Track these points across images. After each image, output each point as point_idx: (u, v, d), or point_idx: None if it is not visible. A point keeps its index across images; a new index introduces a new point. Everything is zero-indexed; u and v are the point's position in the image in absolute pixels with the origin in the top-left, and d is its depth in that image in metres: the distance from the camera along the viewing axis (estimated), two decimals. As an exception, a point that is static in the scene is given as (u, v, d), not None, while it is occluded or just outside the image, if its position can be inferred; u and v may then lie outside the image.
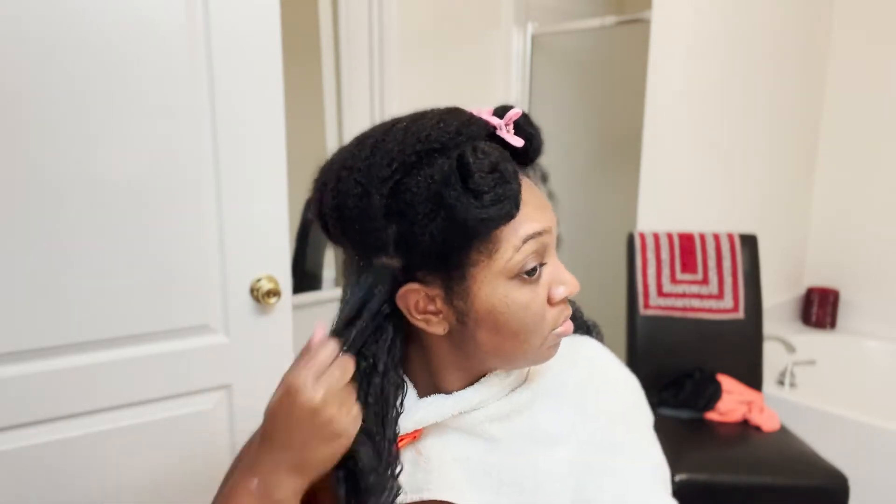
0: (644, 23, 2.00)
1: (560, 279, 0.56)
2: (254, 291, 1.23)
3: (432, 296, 0.54)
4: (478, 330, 0.55)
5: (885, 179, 2.42)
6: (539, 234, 0.53)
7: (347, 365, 0.55)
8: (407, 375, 0.62)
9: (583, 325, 0.72)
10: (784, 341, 2.10)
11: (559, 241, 0.58)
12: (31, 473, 1.09)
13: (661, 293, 1.89)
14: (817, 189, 2.61)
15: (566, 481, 0.60)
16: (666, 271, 1.90)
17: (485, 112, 0.55)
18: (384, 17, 1.92)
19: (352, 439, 0.54)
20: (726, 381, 1.79)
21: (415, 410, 0.59)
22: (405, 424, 0.59)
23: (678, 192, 2.05)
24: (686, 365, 1.84)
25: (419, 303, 0.55)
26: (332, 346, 0.54)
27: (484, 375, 0.61)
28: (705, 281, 1.89)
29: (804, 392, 2.07)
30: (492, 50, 2.21)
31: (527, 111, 0.57)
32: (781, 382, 2.13)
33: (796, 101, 2.40)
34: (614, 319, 2.05)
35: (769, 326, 2.27)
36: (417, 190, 0.50)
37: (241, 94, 1.17)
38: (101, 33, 1.04)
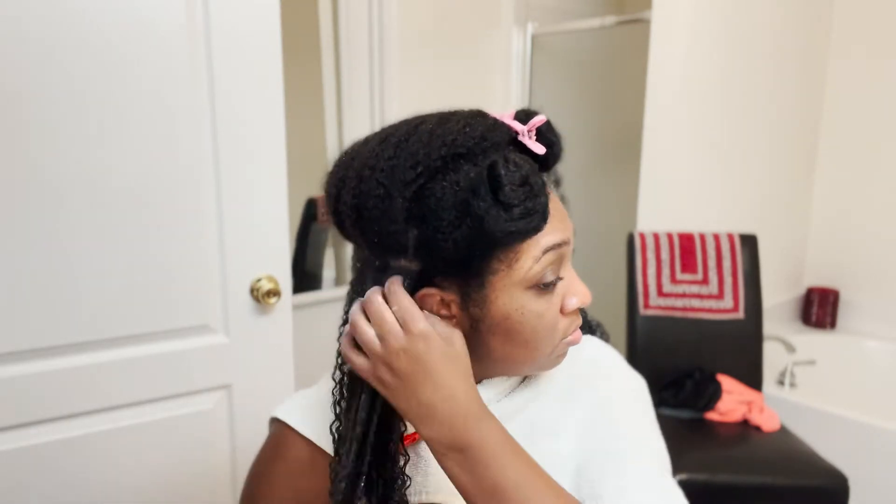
0: (644, 23, 2.00)
1: (573, 290, 0.56)
2: (254, 291, 1.23)
3: (448, 301, 0.54)
4: (490, 337, 0.55)
5: (885, 179, 2.42)
6: (559, 245, 0.54)
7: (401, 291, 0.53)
8: None
9: (586, 325, 0.73)
10: (784, 341, 2.10)
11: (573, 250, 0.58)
12: (31, 473, 1.08)
13: (661, 293, 1.89)
14: (817, 189, 2.61)
15: (567, 480, 0.60)
16: (666, 271, 1.90)
17: (507, 116, 0.54)
18: (384, 17, 1.92)
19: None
20: (726, 381, 1.79)
21: None
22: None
23: (678, 192, 2.05)
24: (686, 365, 1.84)
25: (434, 308, 0.55)
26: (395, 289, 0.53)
27: (486, 378, 0.62)
28: (705, 281, 1.89)
29: (804, 392, 2.07)
30: (492, 50, 2.21)
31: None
32: (781, 382, 2.13)
33: (796, 101, 2.40)
34: (614, 319, 2.05)
35: (769, 326, 2.27)
36: (443, 196, 0.49)
37: (241, 94, 1.17)
38: (101, 33, 1.04)
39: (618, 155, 2.58)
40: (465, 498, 0.51)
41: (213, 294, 1.20)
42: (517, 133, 0.54)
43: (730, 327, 1.88)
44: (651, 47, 1.95)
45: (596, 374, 0.67)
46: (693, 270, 1.90)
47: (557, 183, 0.59)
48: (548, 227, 0.53)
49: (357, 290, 0.57)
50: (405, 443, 0.59)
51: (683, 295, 1.89)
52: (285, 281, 1.27)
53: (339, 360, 0.59)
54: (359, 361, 0.53)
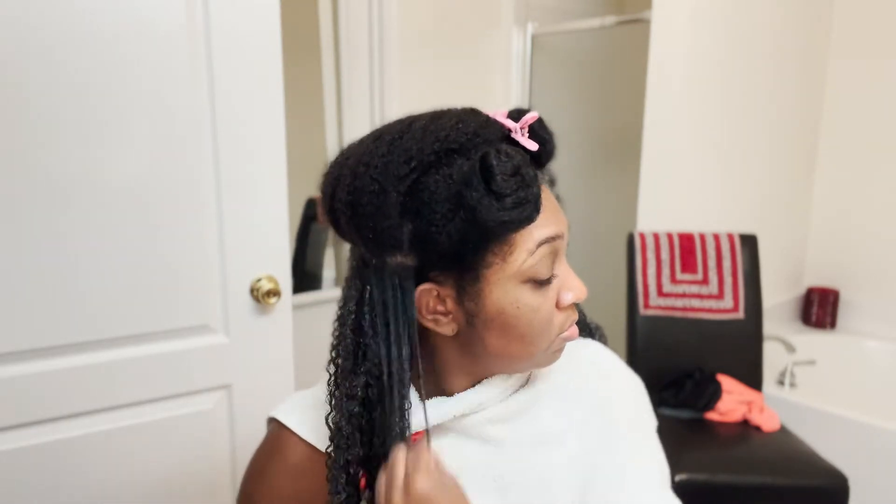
0: (644, 23, 2.00)
1: (569, 285, 0.57)
2: (254, 291, 1.23)
3: (444, 296, 0.54)
4: (486, 332, 0.55)
5: (885, 179, 2.42)
6: (553, 238, 0.54)
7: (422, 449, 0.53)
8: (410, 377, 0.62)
9: (586, 328, 0.72)
10: (784, 341, 2.10)
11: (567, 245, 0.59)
12: (31, 473, 1.08)
13: (661, 293, 1.89)
14: (817, 189, 2.61)
15: (569, 482, 0.60)
16: (666, 271, 1.90)
17: (500, 114, 0.55)
18: (384, 17, 1.92)
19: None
20: (726, 381, 1.79)
21: (416, 412, 0.59)
22: None
23: (678, 192, 2.05)
24: (686, 365, 1.84)
25: (430, 303, 0.55)
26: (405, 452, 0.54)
27: (486, 378, 0.61)
28: (705, 281, 1.89)
29: (804, 392, 2.07)
30: (492, 50, 2.21)
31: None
32: (781, 382, 2.13)
33: (796, 101, 2.40)
34: (614, 319, 2.05)
35: (769, 326, 2.27)
36: (436, 189, 0.50)
37: (241, 94, 1.17)
38: (101, 33, 1.04)
39: (618, 155, 2.58)
40: None
41: (213, 294, 1.20)
42: (510, 130, 0.54)
43: (730, 327, 1.88)
44: (651, 47, 1.95)
45: (596, 375, 0.67)
46: (693, 270, 1.90)
47: (552, 183, 0.59)
48: (542, 221, 0.53)
49: (352, 290, 0.57)
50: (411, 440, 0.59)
51: (683, 295, 1.89)
52: (285, 281, 1.27)
53: (333, 354, 0.58)
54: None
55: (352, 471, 0.56)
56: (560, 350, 0.59)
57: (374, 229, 0.51)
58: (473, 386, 0.61)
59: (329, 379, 0.59)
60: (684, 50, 1.95)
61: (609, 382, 0.67)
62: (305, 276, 2.00)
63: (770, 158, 2.33)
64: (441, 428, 0.61)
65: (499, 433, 0.61)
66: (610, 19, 2.11)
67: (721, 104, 2.09)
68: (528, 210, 0.50)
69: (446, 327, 0.56)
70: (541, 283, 0.54)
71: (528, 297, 0.54)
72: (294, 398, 0.68)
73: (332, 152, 2.32)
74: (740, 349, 1.89)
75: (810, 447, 1.62)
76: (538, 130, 0.56)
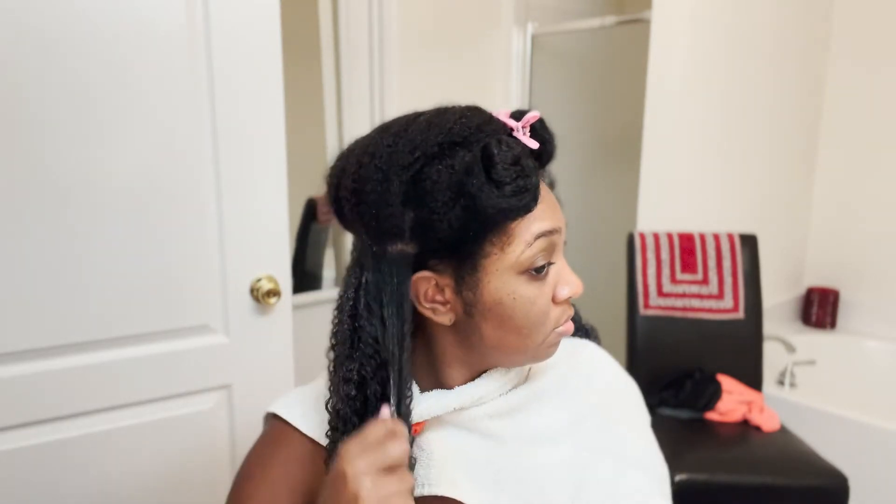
0: (644, 23, 2.00)
1: (565, 279, 0.58)
2: (254, 291, 1.23)
3: (442, 285, 0.56)
4: (483, 322, 0.56)
5: (884, 179, 2.42)
6: (550, 232, 0.55)
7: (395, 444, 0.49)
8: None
9: (582, 329, 0.74)
10: (784, 341, 2.10)
11: (565, 243, 0.60)
12: (31, 473, 1.08)
13: (661, 293, 1.89)
14: (817, 189, 2.61)
15: (565, 480, 0.60)
16: (666, 271, 1.90)
17: (502, 114, 0.56)
18: (384, 17, 1.92)
19: None
20: (726, 381, 1.79)
21: (416, 404, 0.60)
22: None
23: (678, 192, 2.05)
24: (686, 365, 1.84)
25: (428, 291, 0.56)
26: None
27: (485, 372, 0.62)
28: (705, 281, 1.89)
29: (804, 392, 2.07)
30: (492, 50, 2.21)
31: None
32: (781, 382, 2.13)
33: (796, 101, 2.40)
34: (614, 319, 2.05)
35: (769, 326, 2.27)
36: (438, 178, 0.51)
37: (241, 94, 1.17)
38: (101, 33, 1.04)
39: (618, 155, 2.58)
40: None
41: (213, 294, 1.20)
42: (511, 129, 0.55)
43: (730, 327, 1.88)
44: (651, 47, 1.95)
45: (594, 375, 0.68)
46: (693, 270, 1.90)
47: (552, 185, 0.61)
48: (540, 214, 0.54)
49: (352, 278, 0.58)
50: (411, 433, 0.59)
51: (683, 295, 1.89)
52: (285, 281, 1.27)
53: (332, 341, 0.59)
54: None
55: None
56: (555, 345, 0.60)
57: (377, 216, 0.52)
58: (473, 380, 0.62)
59: (329, 365, 0.60)
60: (684, 50, 1.95)
61: (606, 383, 0.68)
62: (305, 276, 2.00)
63: (770, 158, 2.33)
64: (440, 421, 0.61)
65: (498, 428, 0.61)
66: (610, 19, 2.11)
67: (721, 104, 2.09)
68: (526, 199, 0.52)
69: (444, 317, 0.57)
70: (537, 275, 0.55)
71: (524, 289, 0.55)
72: (293, 394, 0.69)
73: (332, 152, 2.32)
74: (740, 349, 1.89)
75: (810, 447, 1.62)
76: (539, 130, 0.57)
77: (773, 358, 2.13)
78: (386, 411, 0.52)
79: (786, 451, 1.59)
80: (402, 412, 0.55)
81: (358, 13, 1.93)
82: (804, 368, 2.21)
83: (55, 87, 1.01)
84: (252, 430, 1.29)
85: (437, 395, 0.60)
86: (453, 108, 0.55)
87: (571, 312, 0.60)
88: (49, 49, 1.00)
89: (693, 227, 2.01)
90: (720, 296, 1.88)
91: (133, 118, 1.08)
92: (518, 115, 0.56)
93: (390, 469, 0.48)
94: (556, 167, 0.63)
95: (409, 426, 0.57)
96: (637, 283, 1.89)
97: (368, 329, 0.56)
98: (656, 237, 1.92)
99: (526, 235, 0.54)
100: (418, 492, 0.59)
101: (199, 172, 1.15)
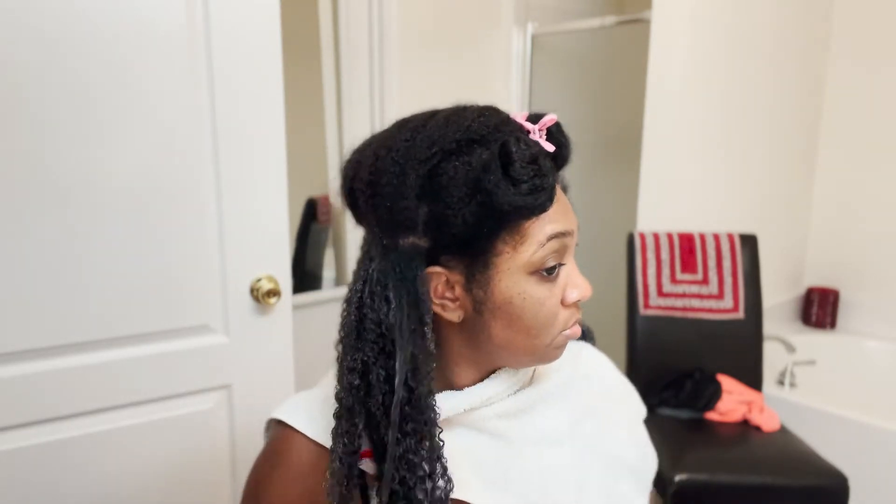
0: (644, 23, 2.00)
1: (575, 282, 0.58)
2: (254, 291, 1.23)
3: (453, 282, 0.56)
4: (492, 321, 0.56)
5: (885, 179, 2.42)
6: (563, 234, 0.55)
7: None
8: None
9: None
10: (784, 341, 2.10)
11: (577, 245, 0.60)
12: (31, 473, 1.08)
13: (661, 293, 1.89)
14: (817, 189, 2.61)
15: (568, 482, 0.62)
16: (666, 271, 1.90)
17: (519, 116, 0.57)
18: (384, 17, 1.92)
19: None
20: (726, 381, 1.79)
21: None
22: None
23: (678, 192, 2.05)
24: (686, 365, 1.84)
25: (438, 287, 0.56)
26: None
27: (493, 372, 0.62)
28: (705, 281, 1.89)
29: (804, 392, 2.07)
30: (492, 50, 2.21)
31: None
32: (781, 382, 2.13)
33: (796, 101, 2.40)
34: (614, 319, 2.05)
35: (769, 326, 2.27)
36: (455, 174, 0.51)
37: (241, 94, 1.17)
38: (101, 33, 1.04)
39: (618, 155, 2.58)
40: None
41: (213, 294, 1.20)
42: (528, 131, 0.55)
43: (730, 327, 1.88)
44: (651, 47, 1.95)
45: (591, 374, 0.70)
46: (693, 270, 1.90)
47: (565, 189, 0.61)
48: (554, 216, 0.55)
49: (361, 271, 0.58)
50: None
51: (683, 295, 1.89)
52: (285, 281, 1.27)
53: (340, 333, 0.59)
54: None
55: (356, 444, 0.56)
56: (562, 347, 0.60)
57: (391, 209, 0.52)
58: (481, 380, 0.62)
59: (336, 358, 0.60)
60: (684, 50, 1.95)
61: (605, 385, 0.70)
62: (305, 276, 2.00)
63: (770, 158, 2.33)
64: (449, 422, 0.61)
65: (505, 429, 0.62)
66: (610, 19, 2.11)
67: (721, 104, 2.09)
68: (541, 198, 0.52)
69: (453, 313, 0.57)
70: (548, 277, 0.56)
71: (534, 290, 0.55)
72: (296, 399, 0.67)
73: (332, 152, 2.32)
74: (740, 349, 1.89)
75: (810, 447, 1.62)
76: (556, 134, 0.57)
77: (773, 358, 2.14)
78: None
79: (786, 451, 1.59)
80: (422, 404, 0.54)
81: (358, 13, 1.93)
82: (804, 368, 2.21)
83: (55, 87, 1.01)
84: (252, 430, 1.29)
85: (447, 395, 0.60)
86: (472, 106, 0.56)
87: (579, 316, 0.60)
88: (49, 49, 1.00)
89: (693, 227, 2.01)
90: (720, 296, 1.88)
91: (133, 118, 1.08)
92: (535, 119, 0.57)
93: None
94: (555, 167, 0.63)
95: (434, 420, 0.55)
96: (637, 283, 1.89)
97: (371, 316, 0.55)
98: (656, 237, 1.92)
99: (539, 236, 0.54)
100: None
101: (199, 172, 1.15)
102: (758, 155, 2.27)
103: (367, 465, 0.58)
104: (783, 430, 1.70)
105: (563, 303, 0.58)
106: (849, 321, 2.54)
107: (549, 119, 0.56)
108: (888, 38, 2.37)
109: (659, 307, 1.89)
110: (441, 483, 0.54)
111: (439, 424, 0.56)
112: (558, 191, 0.57)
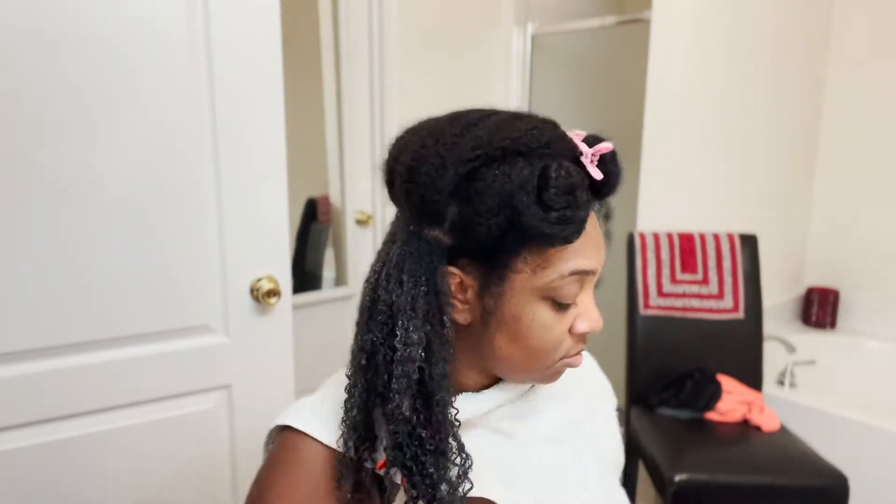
0: (644, 23, 2.00)
1: (587, 314, 0.58)
2: (254, 291, 1.23)
3: (466, 285, 0.56)
4: (497, 333, 0.56)
5: (885, 179, 2.42)
6: (587, 272, 0.55)
7: None
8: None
9: None
10: (784, 341, 2.10)
11: (599, 280, 0.60)
12: (31, 473, 1.08)
13: (661, 293, 1.89)
14: (817, 189, 2.61)
15: (571, 480, 0.63)
16: (666, 271, 1.90)
17: (577, 136, 0.56)
18: (384, 17, 1.92)
19: None
20: (726, 381, 1.79)
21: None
22: None
23: (678, 192, 2.05)
24: (686, 365, 1.84)
25: (452, 288, 0.56)
26: None
27: (497, 377, 0.63)
28: (705, 281, 1.89)
29: (804, 392, 2.07)
30: (492, 50, 2.21)
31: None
32: (781, 382, 2.13)
33: (796, 101, 2.40)
34: (614, 319, 2.05)
35: (769, 326, 2.27)
36: (492, 182, 0.51)
37: (241, 94, 1.17)
38: (100, 33, 1.04)
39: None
40: None
41: (213, 294, 1.20)
42: (580, 153, 0.55)
43: (730, 327, 1.88)
44: (651, 47, 1.95)
45: (584, 374, 0.73)
46: (693, 270, 1.90)
47: (608, 216, 0.60)
48: (583, 251, 0.55)
49: (383, 252, 0.58)
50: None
51: (683, 295, 1.89)
52: (285, 281, 1.27)
53: (357, 316, 0.59)
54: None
55: (363, 433, 0.57)
56: (559, 373, 0.60)
57: (423, 199, 0.53)
58: (486, 383, 0.62)
59: (348, 369, 0.60)
60: (684, 50, 1.95)
61: (594, 383, 0.74)
62: (305, 276, 2.00)
63: (770, 158, 2.33)
64: (470, 423, 0.61)
65: (516, 429, 0.63)
66: (610, 19, 2.11)
67: (721, 104, 2.09)
68: (569, 230, 0.51)
69: (460, 315, 0.57)
70: (560, 307, 0.56)
71: (544, 314, 0.55)
72: (304, 405, 0.65)
73: (332, 152, 2.32)
74: (740, 349, 1.89)
75: (810, 447, 1.62)
76: (608, 162, 0.56)
77: (773, 358, 2.13)
78: None
79: (786, 451, 1.59)
80: (434, 385, 0.54)
81: (358, 13, 1.93)
82: (804, 368, 2.21)
83: (55, 88, 1.01)
84: (252, 431, 1.29)
85: (468, 397, 0.60)
86: (530, 116, 0.55)
87: (583, 347, 0.60)
88: (49, 49, 1.00)
89: (693, 227, 2.01)
90: (720, 296, 1.88)
91: (133, 118, 1.08)
92: (591, 141, 0.56)
93: None
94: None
95: (448, 401, 0.55)
96: (637, 283, 1.89)
97: (384, 297, 0.55)
98: (656, 237, 1.92)
99: (562, 267, 0.54)
100: None
101: (199, 172, 1.15)
102: (758, 155, 2.27)
103: (398, 477, 0.57)
104: (783, 430, 1.70)
105: (571, 331, 0.57)
106: (849, 321, 2.54)
107: (604, 147, 0.55)
108: (888, 38, 2.37)
109: (659, 307, 1.89)
110: (458, 461, 0.54)
111: (459, 423, 0.56)
112: (594, 224, 0.56)
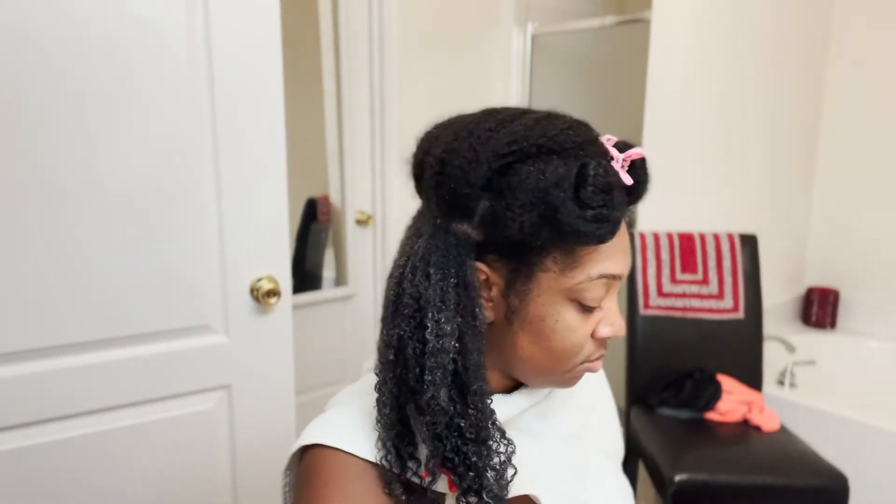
0: (644, 23, 2.00)
1: (611, 319, 0.58)
2: (254, 291, 1.23)
3: (492, 283, 0.55)
4: (521, 332, 0.56)
5: (885, 179, 2.42)
6: (614, 276, 0.55)
7: None
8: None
9: None
10: (784, 341, 2.10)
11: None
12: (31, 473, 1.09)
13: (661, 293, 1.89)
14: (817, 189, 2.61)
15: (591, 472, 0.65)
16: (666, 271, 1.90)
17: (608, 140, 0.56)
18: (384, 17, 1.92)
19: None
20: (726, 381, 1.79)
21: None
22: None
23: (678, 192, 2.05)
24: (686, 365, 1.84)
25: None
26: None
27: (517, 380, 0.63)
28: (705, 281, 1.89)
29: (804, 392, 2.07)
30: (492, 50, 2.21)
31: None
32: (781, 382, 2.13)
33: (796, 101, 2.40)
34: (614, 319, 2.05)
35: (769, 326, 2.27)
36: (526, 178, 0.51)
37: (241, 93, 1.17)
38: (100, 33, 1.04)
39: (618, 155, 2.58)
40: None
41: (213, 294, 1.20)
42: (612, 158, 0.54)
43: (730, 327, 1.88)
44: (651, 47, 1.95)
45: (598, 382, 0.75)
46: (693, 270, 1.90)
47: (630, 224, 0.60)
48: (612, 254, 0.54)
49: (406, 246, 0.57)
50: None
51: (683, 295, 1.89)
52: (285, 281, 1.27)
53: (384, 333, 0.57)
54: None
55: (400, 430, 0.56)
56: (578, 377, 0.60)
57: (454, 192, 0.52)
58: (506, 385, 0.62)
59: (376, 367, 0.59)
60: (684, 50, 1.95)
61: (596, 380, 0.75)
62: (305, 276, 2.00)
63: (770, 159, 2.33)
64: (506, 425, 0.60)
65: (543, 428, 0.63)
66: (610, 19, 2.11)
67: (721, 104, 2.09)
68: (605, 229, 0.51)
69: (483, 311, 0.56)
70: (585, 309, 0.55)
71: (569, 316, 0.55)
72: (327, 421, 0.61)
73: (332, 152, 2.31)
74: (740, 349, 1.89)
75: (810, 447, 1.62)
76: (638, 168, 0.56)
77: (773, 358, 2.14)
78: None
79: (786, 451, 1.59)
80: (469, 376, 0.53)
81: (358, 13, 1.93)
82: (804, 368, 2.21)
83: (55, 88, 1.01)
84: (252, 431, 1.29)
85: (500, 399, 0.60)
86: (564, 116, 0.55)
87: (604, 352, 0.60)
88: (49, 50, 1.00)
89: (693, 227, 2.01)
90: (720, 296, 1.88)
91: (133, 118, 1.08)
92: (622, 146, 0.56)
93: None
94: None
95: (485, 391, 0.54)
96: (637, 282, 1.89)
97: (410, 290, 0.54)
98: (656, 237, 1.92)
99: (591, 269, 0.53)
100: None
101: (199, 172, 1.15)
102: (758, 155, 2.27)
103: (442, 486, 0.56)
104: (783, 430, 1.70)
105: (593, 335, 0.57)
106: (849, 321, 2.54)
107: (636, 153, 0.55)
108: (888, 39, 2.37)
109: (659, 307, 1.89)
110: (502, 448, 0.54)
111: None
112: (622, 229, 0.56)
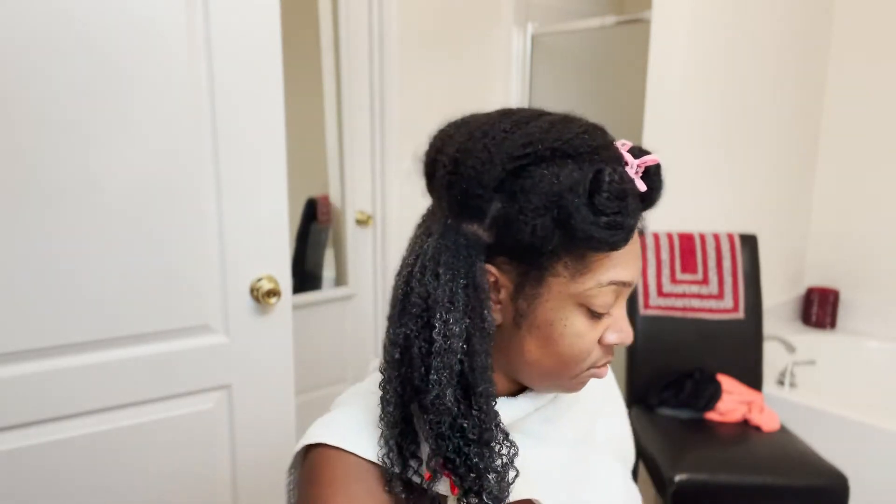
0: (644, 23, 2.00)
1: (618, 326, 0.57)
2: (254, 291, 1.23)
3: (501, 286, 0.55)
4: (528, 336, 0.56)
5: (885, 179, 2.42)
6: (625, 283, 0.55)
7: None
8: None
9: None
10: (784, 341, 2.10)
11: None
12: (31, 473, 1.09)
13: (661, 293, 1.89)
14: (817, 189, 2.61)
15: (598, 476, 0.65)
16: (666, 271, 1.90)
17: (623, 146, 0.56)
18: (384, 17, 1.92)
19: None
20: (726, 381, 1.79)
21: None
22: None
23: (678, 192, 2.05)
24: (686, 365, 1.84)
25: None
26: None
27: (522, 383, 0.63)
28: (705, 281, 1.89)
29: (804, 392, 2.07)
30: (492, 50, 2.21)
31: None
32: (781, 382, 2.13)
33: (796, 101, 2.40)
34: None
35: (769, 326, 2.27)
36: (540, 181, 0.50)
37: (241, 94, 1.17)
38: (100, 34, 1.04)
39: (618, 155, 2.58)
40: None
41: (213, 294, 1.20)
42: (626, 164, 0.54)
43: (730, 327, 1.88)
44: (651, 47, 1.95)
45: (605, 385, 0.75)
46: (693, 270, 1.90)
47: (642, 232, 0.59)
48: (624, 261, 0.54)
49: (415, 245, 0.57)
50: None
51: (683, 295, 1.89)
52: (285, 281, 1.27)
53: (389, 310, 0.58)
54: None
55: (403, 429, 0.55)
56: (583, 383, 0.60)
57: (466, 193, 0.52)
58: (512, 388, 0.62)
59: (382, 365, 0.59)
60: (684, 50, 1.95)
61: (614, 390, 0.74)
62: (305, 276, 2.00)
63: (770, 158, 2.33)
64: (511, 428, 0.60)
65: (547, 432, 0.63)
66: (610, 19, 2.11)
67: (721, 104, 2.09)
68: (618, 236, 0.50)
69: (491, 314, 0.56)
70: (593, 315, 0.55)
71: (577, 321, 0.55)
72: (331, 421, 0.61)
73: (332, 152, 2.31)
74: (740, 349, 1.89)
75: (810, 447, 1.62)
76: (652, 174, 0.56)
77: (773, 358, 2.14)
78: None
79: (786, 451, 1.59)
80: (476, 377, 0.53)
81: (358, 13, 1.93)
82: (804, 368, 2.21)
83: (55, 88, 1.01)
84: (252, 431, 1.29)
85: (504, 402, 0.60)
86: (580, 120, 0.55)
87: (611, 358, 0.59)
88: (49, 50, 1.00)
89: (693, 227, 2.01)
90: (720, 296, 1.88)
91: (133, 118, 1.08)
92: (636, 152, 0.55)
93: None
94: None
95: (491, 393, 0.54)
96: (637, 282, 1.89)
97: (418, 290, 0.54)
98: (656, 237, 1.92)
99: (601, 276, 0.53)
100: None
101: (198, 172, 1.15)
102: (758, 155, 2.27)
103: (444, 488, 0.56)
104: (783, 430, 1.70)
105: (600, 341, 0.57)
106: (849, 321, 2.54)
107: (650, 159, 0.55)
108: (888, 38, 2.37)
109: (659, 307, 1.89)
110: (504, 451, 0.54)
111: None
112: (634, 237, 0.55)
